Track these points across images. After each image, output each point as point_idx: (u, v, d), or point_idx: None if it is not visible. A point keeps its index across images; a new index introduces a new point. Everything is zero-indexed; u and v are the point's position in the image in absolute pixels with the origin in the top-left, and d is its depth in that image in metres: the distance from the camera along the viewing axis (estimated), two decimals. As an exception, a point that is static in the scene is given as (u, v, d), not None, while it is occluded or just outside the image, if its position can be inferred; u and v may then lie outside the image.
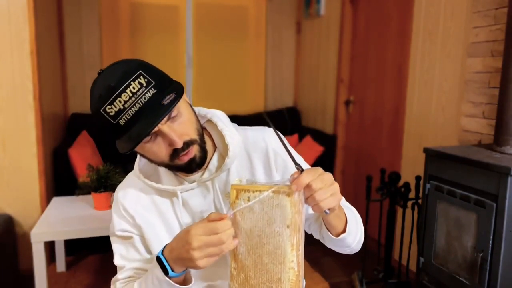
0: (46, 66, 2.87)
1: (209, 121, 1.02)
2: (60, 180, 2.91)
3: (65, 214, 2.24)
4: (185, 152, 0.88)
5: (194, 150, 0.90)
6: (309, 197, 0.78)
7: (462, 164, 1.77)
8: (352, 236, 0.96)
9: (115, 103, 0.82)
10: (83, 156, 2.93)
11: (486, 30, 2.09)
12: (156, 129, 0.84)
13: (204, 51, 3.95)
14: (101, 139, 3.45)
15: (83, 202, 2.38)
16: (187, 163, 0.90)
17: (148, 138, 0.86)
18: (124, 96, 0.82)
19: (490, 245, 1.64)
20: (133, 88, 0.82)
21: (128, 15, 3.77)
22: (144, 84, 0.83)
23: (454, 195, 1.81)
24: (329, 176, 0.80)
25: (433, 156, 1.94)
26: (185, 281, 0.88)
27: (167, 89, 0.86)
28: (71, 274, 2.70)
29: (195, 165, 0.92)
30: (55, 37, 3.32)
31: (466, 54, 2.22)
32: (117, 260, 1.01)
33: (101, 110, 0.84)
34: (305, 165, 1.05)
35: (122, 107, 0.82)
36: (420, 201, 2.23)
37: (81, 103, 3.65)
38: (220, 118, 1.01)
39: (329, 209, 0.80)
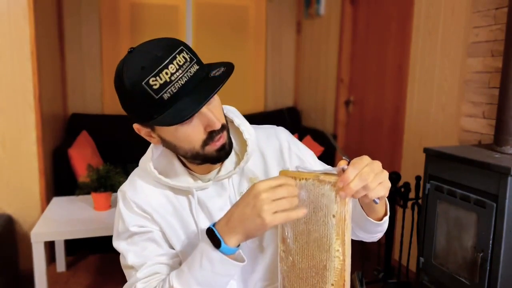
0: (46, 66, 2.87)
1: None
2: (60, 180, 2.91)
3: (65, 214, 2.24)
4: (219, 136, 0.85)
5: (225, 136, 0.87)
6: (359, 188, 0.75)
7: (462, 164, 1.77)
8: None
9: (161, 75, 0.76)
10: (83, 156, 2.93)
11: (486, 30, 2.09)
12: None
13: (204, 51, 3.91)
14: (102, 139, 3.46)
15: (83, 202, 2.38)
16: (219, 148, 0.86)
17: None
18: (171, 68, 0.77)
19: (490, 245, 1.64)
20: (179, 61, 0.78)
21: (128, 15, 3.77)
22: (188, 59, 0.79)
23: (454, 195, 1.81)
24: (377, 164, 0.77)
25: (433, 156, 1.94)
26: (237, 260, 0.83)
27: (206, 68, 0.83)
28: (71, 274, 2.70)
29: (225, 153, 0.88)
30: (55, 37, 3.32)
31: (466, 54, 2.22)
32: (131, 259, 0.90)
33: (143, 83, 0.77)
34: (316, 161, 1.04)
35: (168, 80, 0.76)
36: (420, 201, 2.23)
37: (81, 103, 3.66)
38: (236, 115, 0.99)
39: (378, 198, 0.78)
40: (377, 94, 3.16)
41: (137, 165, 1.00)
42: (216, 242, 0.77)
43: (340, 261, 0.80)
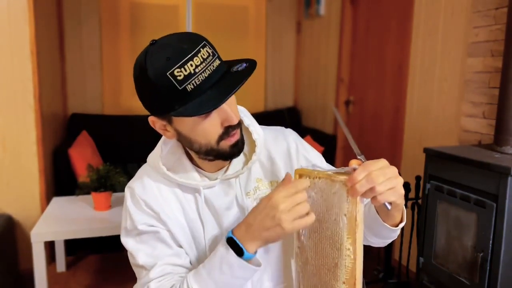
0: (46, 66, 2.87)
1: None
2: (60, 180, 2.91)
3: (65, 214, 2.24)
4: (234, 131, 0.87)
5: (239, 132, 0.90)
6: (367, 190, 0.76)
7: (462, 164, 1.77)
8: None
9: (186, 66, 0.78)
10: (83, 156, 2.93)
11: (486, 30, 2.09)
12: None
13: (204, 51, 3.94)
14: (102, 139, 3.46)
15: (83, 202, 2.38)
16: (233, 144, 0.88)
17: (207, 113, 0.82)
18: (196, 60, 0.79)
19: (490, 245, 1.64)
20: (203, 54, 0.80)
21: (128, 15, 3.77)
22: (211, 54, 0.81)
23: (454, 195, 1.81)
24: (391, 169, 0.77)
25: (433, 156, 1.94)
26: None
27: (226, 63, 0.85)
28: (71, 274, 2.70)
29: (237, 149, 0.90)
30: (55, 37, 3.32)
31: (466, 54, 2.22)
32: (142, 259, 0.92)
33: (167, 74, 0.78)
34: (323, 163, 1.05)
35: (192, 71, 0.78)
36: (420, 201, 2.23)
37: (81, 103, 3.65)
38: (246, 114, 0.99)
39: (390, 203, 0.78)
40: (377, 94, 3.16)
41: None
42: (238, 250, 0.80)
43: (351, 259, 0.80)
